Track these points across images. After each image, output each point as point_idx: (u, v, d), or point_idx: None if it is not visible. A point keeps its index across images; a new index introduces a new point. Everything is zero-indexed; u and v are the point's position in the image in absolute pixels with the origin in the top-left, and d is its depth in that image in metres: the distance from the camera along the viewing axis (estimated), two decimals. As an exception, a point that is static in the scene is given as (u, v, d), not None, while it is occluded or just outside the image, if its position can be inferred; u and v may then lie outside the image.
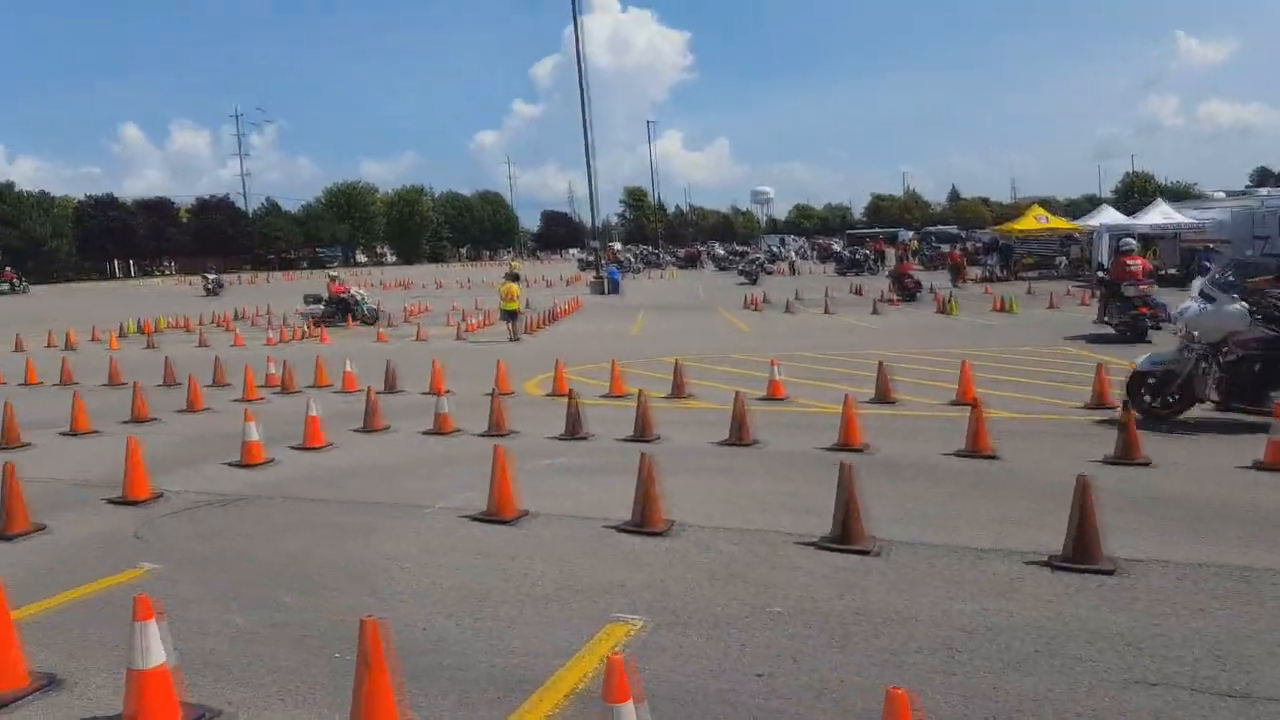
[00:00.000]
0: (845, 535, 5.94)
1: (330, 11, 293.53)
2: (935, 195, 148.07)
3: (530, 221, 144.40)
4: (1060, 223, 41.13)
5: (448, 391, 11.87)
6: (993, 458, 8.24)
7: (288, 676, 4.32)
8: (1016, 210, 74.33)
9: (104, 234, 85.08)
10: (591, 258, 53.49)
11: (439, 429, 10.35)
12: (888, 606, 4.93)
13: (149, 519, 7.22)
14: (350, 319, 27.21)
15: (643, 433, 9.64)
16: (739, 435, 9.32)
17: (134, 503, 7.66)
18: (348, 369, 14.31)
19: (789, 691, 4.01)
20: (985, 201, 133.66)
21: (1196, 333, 9.29)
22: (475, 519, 6.86)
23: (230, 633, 4.88)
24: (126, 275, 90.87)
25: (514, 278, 21.83)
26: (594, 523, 6.69)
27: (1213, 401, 9.30)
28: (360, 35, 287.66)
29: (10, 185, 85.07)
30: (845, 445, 8.82)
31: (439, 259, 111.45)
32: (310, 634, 4.82)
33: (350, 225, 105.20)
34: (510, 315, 21.17)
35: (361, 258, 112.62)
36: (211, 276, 52.48)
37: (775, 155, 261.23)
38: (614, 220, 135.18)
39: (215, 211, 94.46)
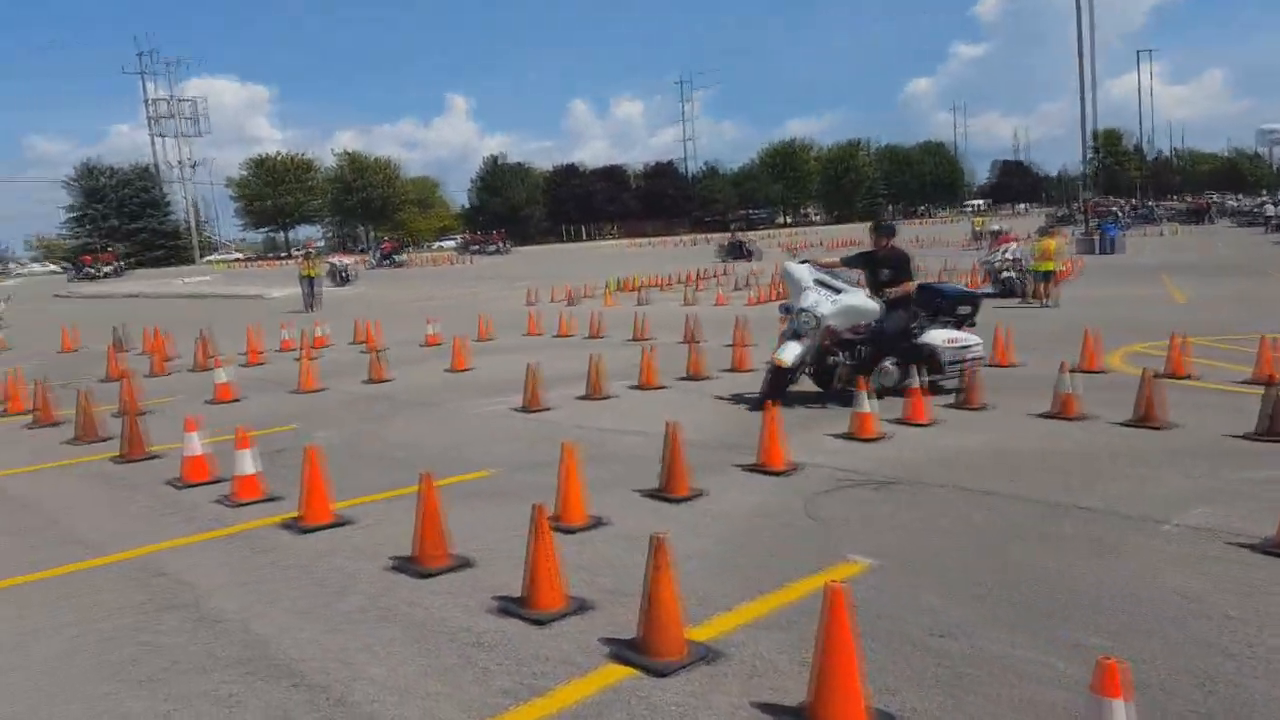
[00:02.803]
0: None
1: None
2: None
3: (979, 173, 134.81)
4: None
5: (1072, 370, 9.80)
6: None
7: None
8: None
9: (568, 199, 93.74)
10: (1064, 211, 48.20)
11: (1061, 412, 8.54)
12: None
13: (805, 494, 6.31)
14: None
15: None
16: None
17: (774, 472, 6.86)
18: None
19: None
20: None
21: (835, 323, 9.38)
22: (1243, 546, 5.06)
23: (1059, 680, 3.58)
24: (579, 238, 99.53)
25: (1048, 232, 19.10)
26: None
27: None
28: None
29: (495, 158, 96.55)
30: None
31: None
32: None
33: (784, 185, 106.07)
34: (1045, 276, 18.57)
35: (785, 218, 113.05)
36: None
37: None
38: (1078, 168, 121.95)
39: (661, 177, 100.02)
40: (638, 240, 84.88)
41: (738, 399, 10.08)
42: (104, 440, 8.88)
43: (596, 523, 5.83)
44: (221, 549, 5.67)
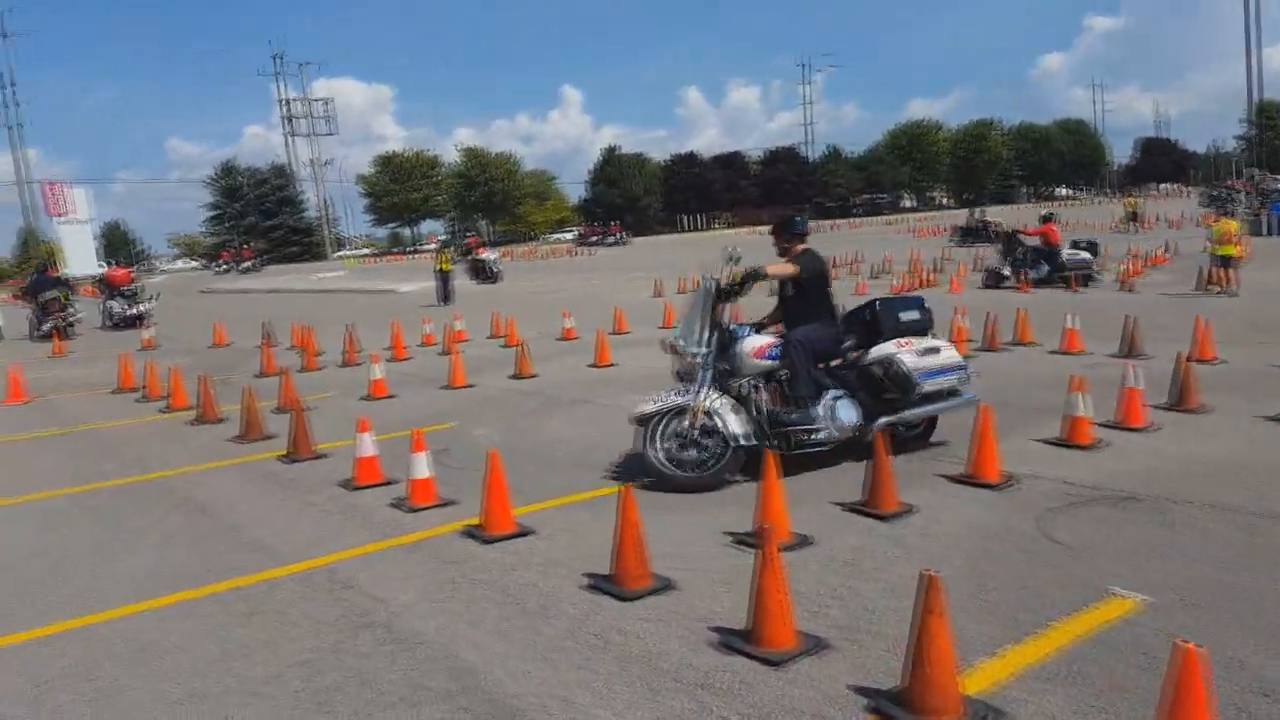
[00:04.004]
0: None
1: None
2: None
3: (1120, 151, 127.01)
4: None
5: None
6: None
7: None
8: None
9: (685, 188, 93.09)
10: (1217, 190, 45.01)
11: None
12: None
13: (1033, 511, 5.63)
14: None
15: None
16: None
17: (987, 484, 6.19)
18: (1069, 325, 12.01)
19: None
20: None
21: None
22: None
23: None
24: (695, 227, 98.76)
25: (1226, 212, 17.66)
26: None
27: None
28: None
29: (612, 149, 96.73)
30: None
31: (1006, 199, 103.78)
32: None
33: (912, 168, 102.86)
34: (1225, 261, 17.06)
35: (907, 202, 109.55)
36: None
37: None
38: (1227, 144, 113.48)
39: (781, 162, 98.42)
40: (757, 228, 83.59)
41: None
42: (268, 438, 8.80)
43: (802, 541, 5.30)
44: (406, 559, 5.38)
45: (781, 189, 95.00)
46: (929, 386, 6.90)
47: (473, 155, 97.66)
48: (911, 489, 6.11)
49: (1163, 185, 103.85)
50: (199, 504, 6.80)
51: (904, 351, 6.87)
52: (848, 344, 7.13)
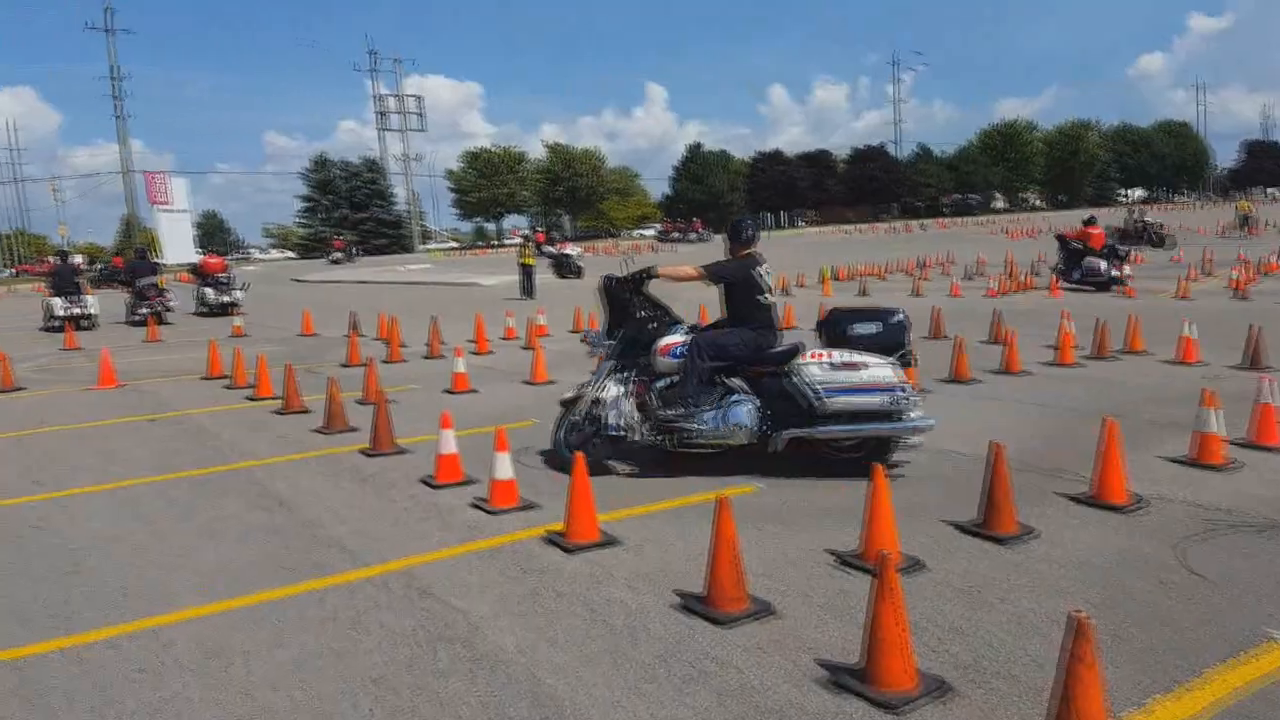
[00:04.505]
0: None
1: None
2: None
3: (1222, 155, 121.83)
4: None
5: None
6: None
7: None
8: None
9: (771, 186, 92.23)
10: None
11: None
12: None
13: (1169, 539, 5.10)
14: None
15: None
16: None
17: (1114, 507, 5.65)
18: (1186, 333, 11.20)
19: None
20: None
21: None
22: None
23: None
24: (778, 226, 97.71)
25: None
26: None
27: None
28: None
29: (697, 146, 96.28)
30: None
31: (1103, 202, 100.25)
32: None
33: (1005, 168, 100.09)
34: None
35: (998, 203, 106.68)
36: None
37: None
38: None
39: (869, 161, 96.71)
40: (843, 227, 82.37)
41: (1029, 406, 8.80)
42: (351, 430, 8.67)
43: (913, 565, 4.86)
44: (486, 565, 5.10)
45: (869, 188, 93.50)
46: (834, 404, 6.44)
47: (558, 151, 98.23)
48: (1029, 509, 5.62)
49: (1269, 190, 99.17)
50: (278, 497, 6.64)
51: (813, 364, 6.52)
52: (781, 350, 6.77)
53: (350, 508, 6.32)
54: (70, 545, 5.74)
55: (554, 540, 5.37)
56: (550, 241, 38.09)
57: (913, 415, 6.53)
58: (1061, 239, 21.74)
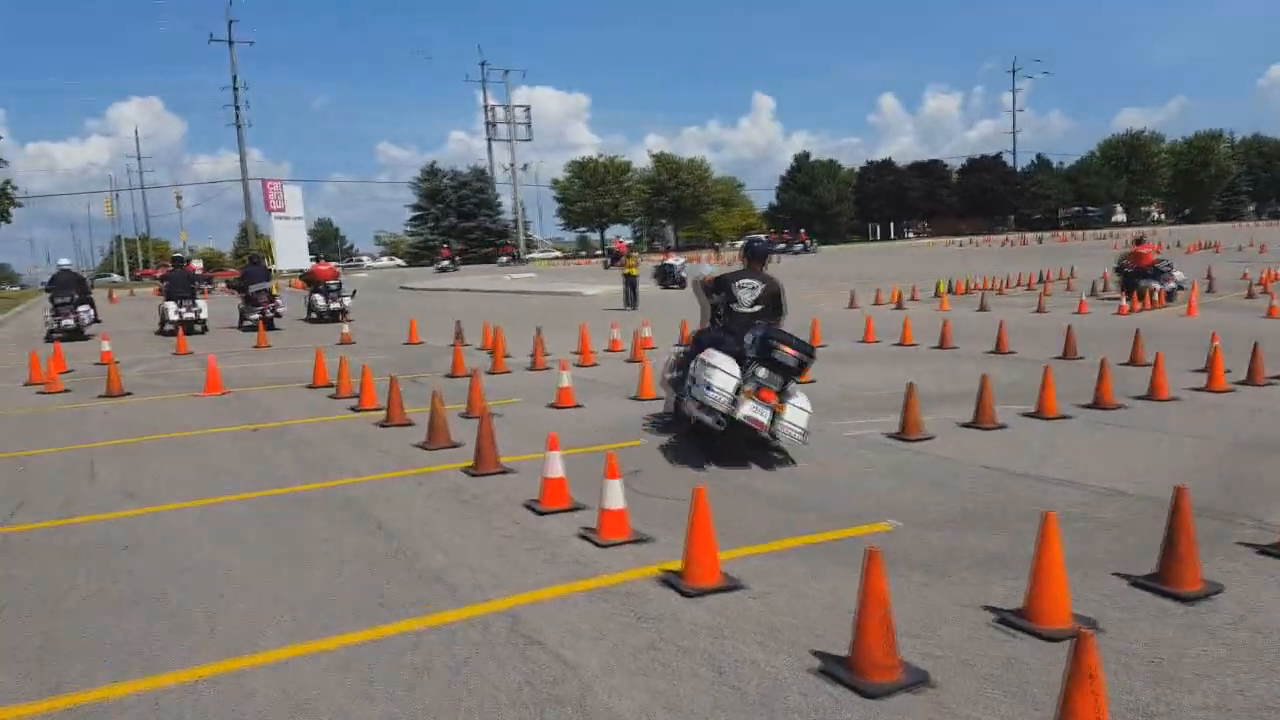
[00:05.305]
0: None
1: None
2: None
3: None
4: None
5: None
6: None
7: None
8: None
9: (880, 196, 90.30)
10: None
11: None
12: None
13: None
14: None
15: None
16: None
17: None
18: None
19: None
20: None
21: None
22: None
23: None
24: (886, 236, 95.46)
25: None
26: None
27: None
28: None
29: (806, 155, 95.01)
30: None
31: (1231, 216, 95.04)
32: None
33: (1127, 180, 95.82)
34: None
35: (1119, 216, 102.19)
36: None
37: None
38: None
39: (983, 171, 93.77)
40: (955, 239, 79.94)
41: (1186, 439, 7.91)
42: (454, 446, 8.32)
43: (1088, 627, 4.17)
44: (598, 608, 4.60)
45: (983, 198, 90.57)
46: (700, 395, 7.35)
47: (663, 161, 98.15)
48: (1209, 561, 4.85)
49: None
50: (377, 520, 6.28)
51: (704, 358, 7.47)
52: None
53: (451, 534, 5.91)
54: (160, 570, 5.45)
55: (670, 581, 4.85)
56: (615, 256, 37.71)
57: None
58: (1120, 268, 22.87)
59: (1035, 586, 4.24)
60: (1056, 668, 3.83)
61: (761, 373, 7.33)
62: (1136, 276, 21.81)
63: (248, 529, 6.20)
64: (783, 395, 7.32)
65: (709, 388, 7.22)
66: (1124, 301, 20.38)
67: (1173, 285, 21.49)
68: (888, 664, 3.73)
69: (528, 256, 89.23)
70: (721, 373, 7.26)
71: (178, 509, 6.75)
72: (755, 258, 8.39)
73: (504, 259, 71.31)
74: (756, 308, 8.08)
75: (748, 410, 7.20)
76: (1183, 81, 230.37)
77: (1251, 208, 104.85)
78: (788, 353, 7.32)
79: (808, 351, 7.46)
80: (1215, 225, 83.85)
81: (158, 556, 5.69)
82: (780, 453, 7.71)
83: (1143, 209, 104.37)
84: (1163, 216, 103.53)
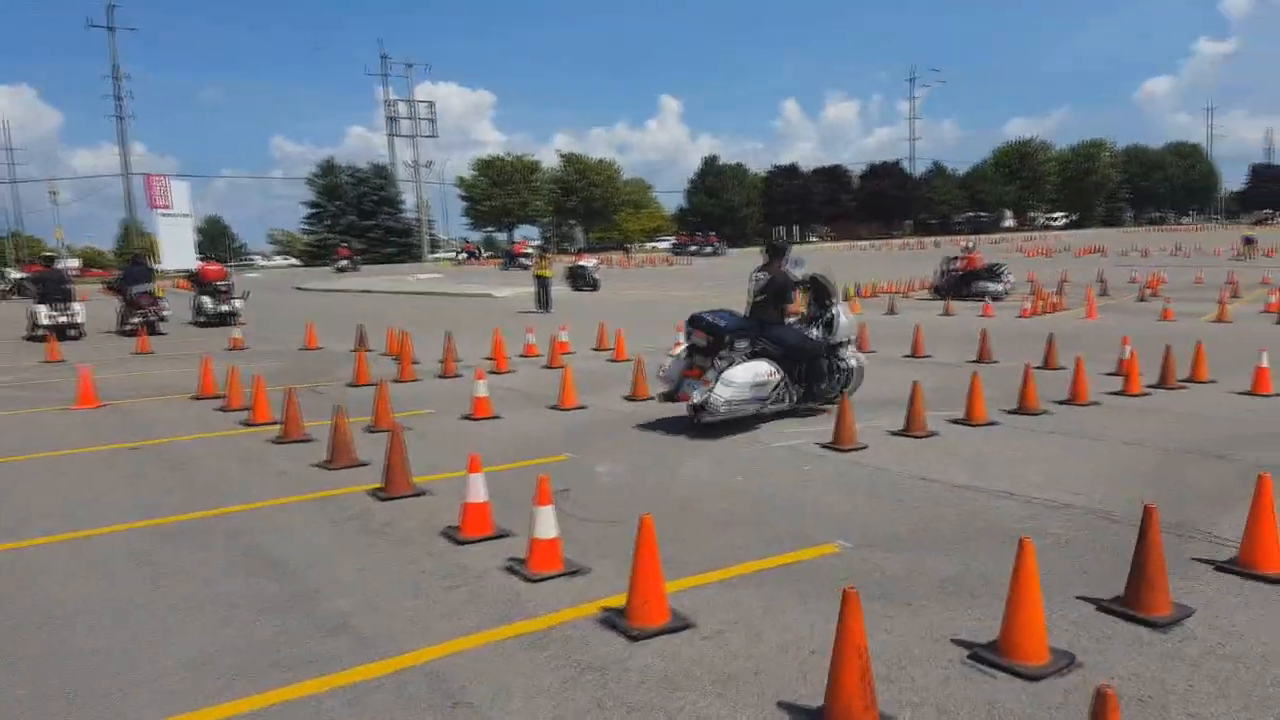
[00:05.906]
0: None
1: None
2: None
3: (1232, 178, 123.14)
4: None
5: None
6: None
7: None
8: None
9: (787, 200, 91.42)
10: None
11: None
12: None
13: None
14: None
15: None
16: None
17: (1268, 578, 4.65)
18: (1263, 363, 10.10)
19: None
20: None
21: None
22: None
23: None
24: (791, 240, 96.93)
25: None
26: None
27: None
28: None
29: (714, 159, 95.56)
30: None
31: (1113, 222, 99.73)
32: None
33: (1017, 187, 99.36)
34: None
35: (1008, 221, 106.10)
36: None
37: None
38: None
39: (883, 177, 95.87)
40: (855, 243, 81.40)
41: (1115, 445, 7.77)
42: (360, 465, 7.63)
43: (1066, 663, 3.85)
44: (531, 658, 4.05)
45: (883, 204, 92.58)
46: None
47: (573, 161, 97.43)
48: (1171, 580, 4.59)
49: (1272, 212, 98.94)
50: (271, 556, 5.56)
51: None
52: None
53: (359, 571, 5.27)
54: (13, 623, 4.64)
55: (613, 622, 4.35)
56: (538, 253, 37.23)
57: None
58: (948, 268, 25.48)
59: (1011, 619, 3.89)
60: (1043, 713, 3.49)
61: (695, 356, 8.69)
62: (971, 278, 24.49)
63: (122, 569, 5.40)
64: (714, 373, 8.42)
65: (661, 369, 8.97)
66: (948, 302, 21.94)
67: (1003, 287, 24.07)
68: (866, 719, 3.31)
69: (431, 257, 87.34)
70: (673, 358, 8.88)
71: (42, 545, 5.90)
72: (773, 254, 9.61)
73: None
74: (760, 297, 9.31)
75: (684, 388, 8.58)
76: (1067, 92, 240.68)
77: (1130, 214, 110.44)
78: (696, 335, 8.73)
79: (711, 330, 8.62)
80: (1107, 230, 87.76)
81: (13, 606, 4.87)
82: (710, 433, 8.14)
83: (1030, 214, 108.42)
84: (1048, 221, 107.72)
